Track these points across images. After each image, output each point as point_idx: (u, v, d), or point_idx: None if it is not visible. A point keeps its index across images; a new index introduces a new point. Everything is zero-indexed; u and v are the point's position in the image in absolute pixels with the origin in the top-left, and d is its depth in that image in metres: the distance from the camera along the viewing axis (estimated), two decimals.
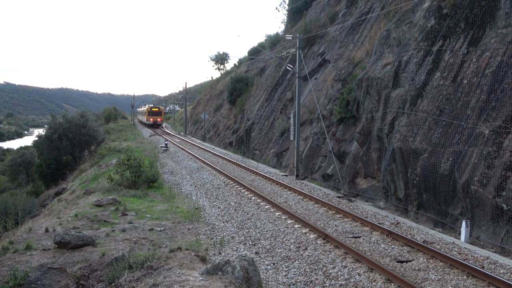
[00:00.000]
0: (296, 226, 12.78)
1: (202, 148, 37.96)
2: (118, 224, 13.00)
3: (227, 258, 7.17)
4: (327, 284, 8.58)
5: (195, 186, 19.99)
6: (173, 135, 55.65)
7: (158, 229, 12.56)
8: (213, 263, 7.11)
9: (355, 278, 8.78)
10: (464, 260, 9.57)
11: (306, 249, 10.70)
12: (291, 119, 24.44)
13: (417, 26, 16.66)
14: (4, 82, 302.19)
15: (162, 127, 66.09)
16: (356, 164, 17.94)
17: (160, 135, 54.69)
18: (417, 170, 13.64)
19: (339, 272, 9.11)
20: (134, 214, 14.28)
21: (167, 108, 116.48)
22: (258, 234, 12.10)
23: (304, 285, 8.65)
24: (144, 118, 70.96)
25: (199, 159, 29.57)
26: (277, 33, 49.13)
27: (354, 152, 18.25)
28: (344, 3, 30.16)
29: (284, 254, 10.40)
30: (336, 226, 12.81)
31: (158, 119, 65.79)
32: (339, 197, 17.20)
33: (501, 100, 11.73)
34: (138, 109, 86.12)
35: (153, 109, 67.26)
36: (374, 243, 11.12)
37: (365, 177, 17.59)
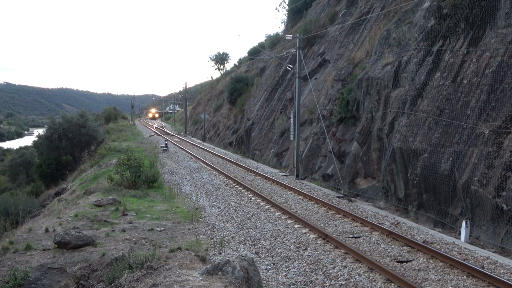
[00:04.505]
0: (296, 226, 12.78)
1: (202, 148, 37.96)
2: (118, 224, 12.99)
3: (227, 258, 7.17)
4: (327, 284, 8.58)
5: (195, 186, 19.98)
6: (173, 135, 55.66)
7: (158, 229, 12.56)
8: (213, 263, 7.11)
9: (355, 278, 8.78)
10: (464, 260, 9.57)
11: (306, 249, 10.70)
12: (291, 119, 24.44)
13: (417, 26, 16.66)
14: (4, 82, 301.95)
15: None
16: (356, 164, 17.94)
17: (160, 135, 54.70)
18: (417, 170, 13.64)
19: (339, 272, 9.10)
20: (134, 214, 14.28)
21: (167, 108, 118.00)
22: (258, 234, 12.10)
23: (304, 285, 8.64)
24: None
25: (199, 159, 29.57)
26: (277, 33, 49.18)
27: (354, 152, 18.25)
28: (344, 3, 30.17)
29: (284, 254, 10.39)
30: (336, 226, 12.81)
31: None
32: (339, 197, 17.20)
33: (501, 100, 11.73)
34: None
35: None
36: (374, 243, 11.12)
37: (365, 177, 17.59)
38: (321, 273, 9.16)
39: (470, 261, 9.59)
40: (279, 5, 72.70)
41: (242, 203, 16.16)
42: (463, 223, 11.38)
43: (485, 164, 11.36)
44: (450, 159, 12.50)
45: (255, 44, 67.27)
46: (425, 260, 9.75)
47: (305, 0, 39.32)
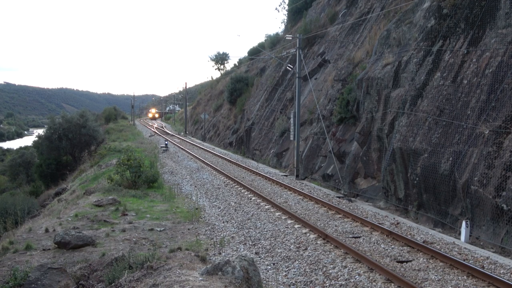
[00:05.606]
0: (296, 226, 12.78)
1: (202, 148, 37.96)
2: (118, 224, 12.99)
3: (227, 258, 7.17)
4: (327, 284, 8.58)
5: (195, 186, 19.98)
6: (173, 135, 55.66)
7: (158, 229, 12.56)
8: (213, 263, 7.11)
9: (355, 278, 8.78)
10: (464, 260, 9.57)
11: (306, 249, 10.70)
12: (291, 119, 24.44)
13: (417, 26, 16.66)
14: (4, 82, 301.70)
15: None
16: (356, 164, 17.94)
17: (160, 135, 54.70)
18: (417, 170, 13.64)
19: (339, 272, 9.10)
20: (134, 214, 14.28)
21: (167, 108, 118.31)
22: (258, 234, 12.10)
23: (304, 285, 8.64)
24: None
25: (199, 159, 29.57)
26: (277, 33, 49.17)
27: (354, 152, 18.25)
28: (344, 3, 30.17)
29: (284, 254, 10.39)
30: (336, 226, 12.81)
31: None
32: (339, 197, 17.20)
33: (501, 100, 11.73)
34: None
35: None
36: (374, 243, 11.12)
37: (365, 177, 17.59)
38: (321, 273, 9.16)
39: (470, 261, 9.60)
40: (279, 5, 72.70)
41: (242, 203, 16.16)
42: (463, 223, 11.38)
43: (485, 164, 11.36)
44: (450, 159, 12.50)
45: (255, 44, 67.28)
46: (425, 260, 9.75)
47: (305, 0, 39.33)
